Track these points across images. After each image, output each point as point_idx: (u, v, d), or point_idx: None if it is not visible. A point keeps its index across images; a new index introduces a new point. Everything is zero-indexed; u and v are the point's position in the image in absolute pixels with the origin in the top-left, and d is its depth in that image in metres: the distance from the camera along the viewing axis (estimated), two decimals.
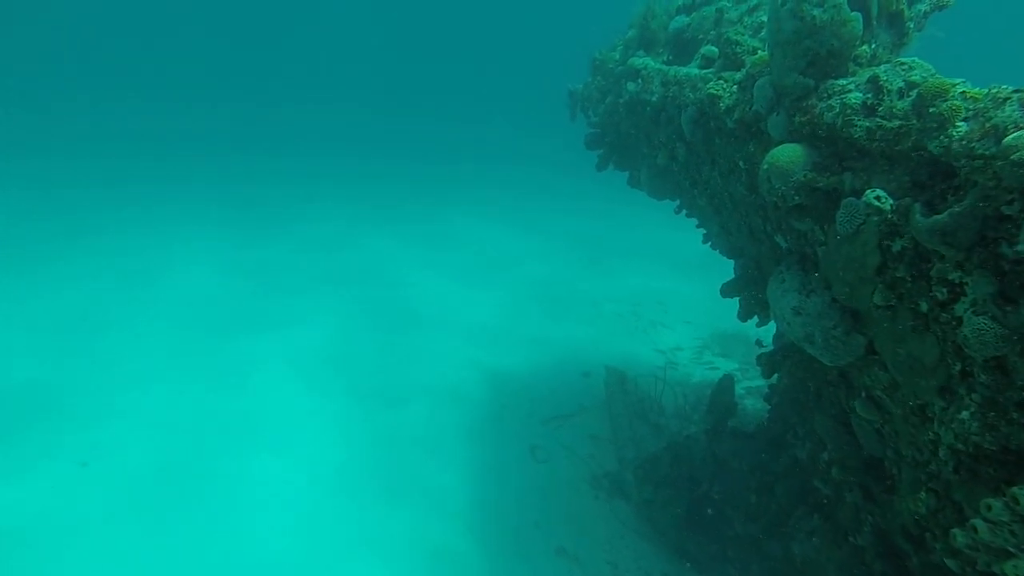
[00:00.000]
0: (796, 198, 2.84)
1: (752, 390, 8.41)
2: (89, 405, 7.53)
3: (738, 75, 3.47)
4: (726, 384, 6.16)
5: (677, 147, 4.28)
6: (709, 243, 6.36)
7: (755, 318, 4.57)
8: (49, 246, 12.39)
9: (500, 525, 6.16)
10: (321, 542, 5.85)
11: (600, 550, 5.97)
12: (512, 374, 8.88)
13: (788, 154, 2.86)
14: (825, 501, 4.60)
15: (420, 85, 40.87)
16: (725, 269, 4.93)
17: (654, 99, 4.34)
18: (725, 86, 3.53)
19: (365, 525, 6.08)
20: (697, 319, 11.11)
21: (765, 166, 2.96)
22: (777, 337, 5.44)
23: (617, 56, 5.86)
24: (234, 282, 11.64)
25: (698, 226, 5.91)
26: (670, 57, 4.88)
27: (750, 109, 3.29)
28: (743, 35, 3.67)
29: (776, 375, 5.05)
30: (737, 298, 4.93)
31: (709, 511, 5.67)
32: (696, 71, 3.95)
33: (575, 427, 7.79)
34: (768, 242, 3.67)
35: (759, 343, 5.42)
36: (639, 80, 4.70)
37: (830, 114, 2.60)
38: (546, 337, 10.19)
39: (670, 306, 11.72)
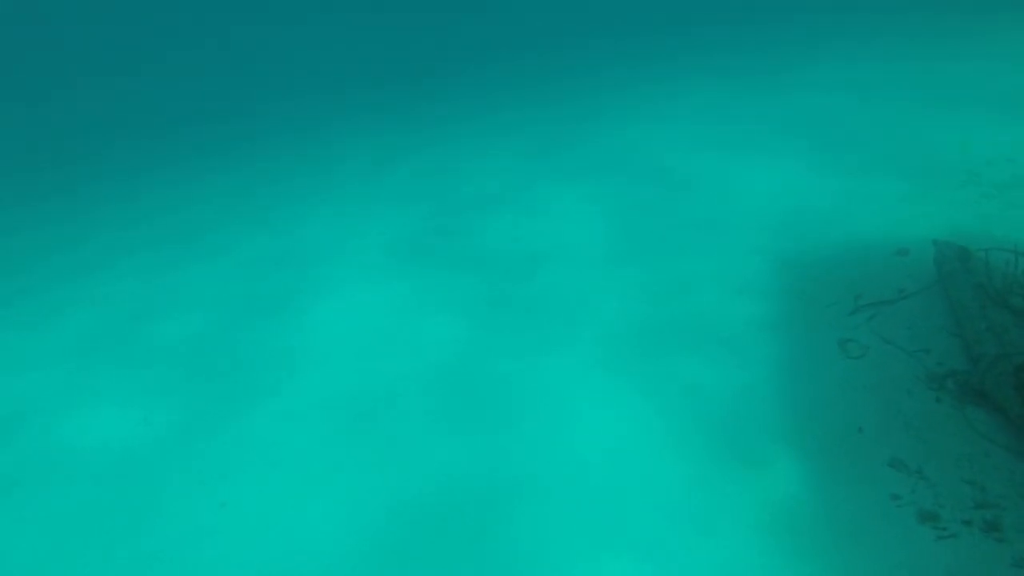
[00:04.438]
0: None
1: None
2: None
3: None
4: None
5: None
6: None
7: None
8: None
9: (816, 431, 5.28)
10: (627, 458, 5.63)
11: (953, 466, 4.78)
12: (806, 258, 7.54)
13: None
14: None
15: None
16: None
17: None
18: None
19: (665, 421, 5.71)
20: None
21: None
22: None
23: None
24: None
25: None
26: None
27: None
28: None
29: None
30: None
31: None
32: None
33: (896, 316, 6.35)
34: None
35: None
36: None
37: None
38: (844, 210, 8.47)
39: (1005, 160, 8.92)
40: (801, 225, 8.33)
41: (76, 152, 20.63)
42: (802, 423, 5.39)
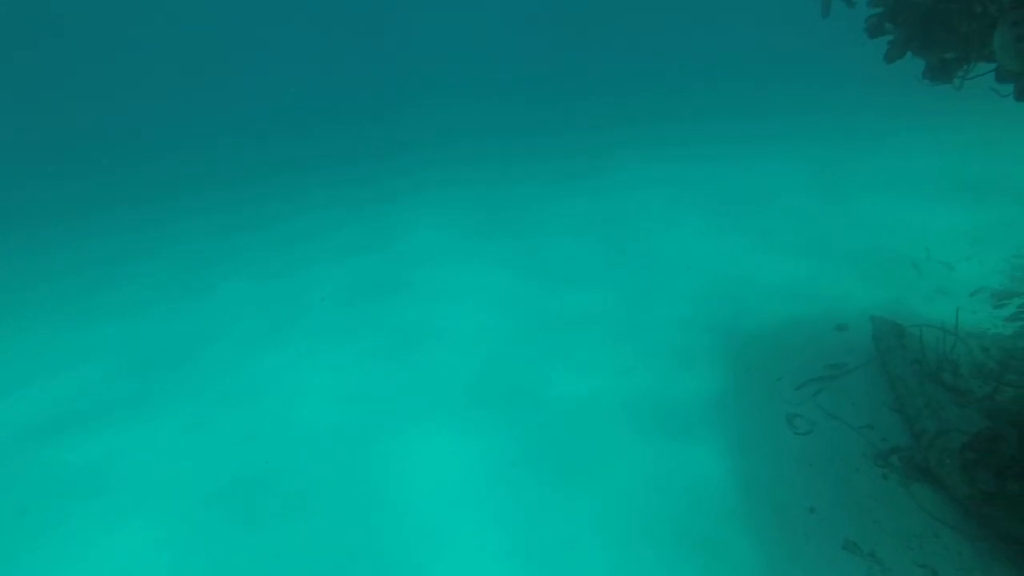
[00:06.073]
0: None
1: None
2: None
3: None
4: None
5: None
6: None
7: None
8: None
9: (769, 512, 5.19)
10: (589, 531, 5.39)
11: (904, 548, 4.74)
12: (749, 333, 7.69)
13: None
14: None
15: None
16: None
17: None
18: None
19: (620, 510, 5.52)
20: (979, 254, 8.84)
21: None
22: None
23: None
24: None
25: None
26: None
27: None
28: None
29: None
30: None
31: None
32: None
33: (839, 392, 6.46)
34: None
35: None
36: None
37: None
38: (784, 286, 8.75)
39: (936, 240, 9.50)
40: (743, 299, 8.54)
41: None
42: (755, 504, 5.30)
